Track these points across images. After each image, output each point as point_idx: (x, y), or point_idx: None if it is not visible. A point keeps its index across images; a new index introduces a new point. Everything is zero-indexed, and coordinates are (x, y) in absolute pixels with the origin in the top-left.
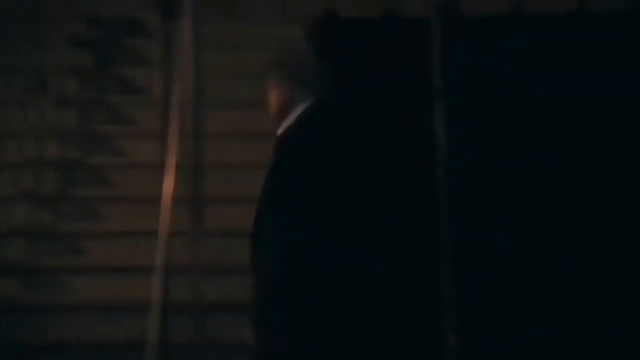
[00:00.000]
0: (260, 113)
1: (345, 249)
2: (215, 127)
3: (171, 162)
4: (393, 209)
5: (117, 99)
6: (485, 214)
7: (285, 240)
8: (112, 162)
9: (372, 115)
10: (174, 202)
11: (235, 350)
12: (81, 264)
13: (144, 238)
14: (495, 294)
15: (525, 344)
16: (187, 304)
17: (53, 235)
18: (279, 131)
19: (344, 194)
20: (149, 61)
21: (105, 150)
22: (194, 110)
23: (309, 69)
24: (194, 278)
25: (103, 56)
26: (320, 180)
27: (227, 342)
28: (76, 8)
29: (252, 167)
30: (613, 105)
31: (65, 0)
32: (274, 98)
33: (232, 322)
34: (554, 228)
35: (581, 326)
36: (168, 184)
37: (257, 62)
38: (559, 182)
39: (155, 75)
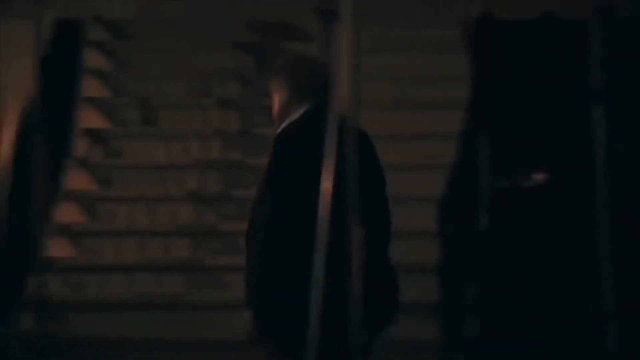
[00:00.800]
0: (417, 114)
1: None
2: (373, 129)
3: (329, 162)
4: (551, 206)
5: None
6: None
7: None
8: None
9: (530, 115)
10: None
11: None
12: (243, 262)
13: None
14: None
15: None
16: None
17: (216, 234)
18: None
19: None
20: None
21: (267, 152)
22: (352, 112)
23: (310, 74)
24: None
25: (264, 59)
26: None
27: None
28: (238, 12)
29: (409, 167)
30: None
31: (228, 3)
32: (275, 101)
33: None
34: None
35: None
36: (326, 184)
37: (414, 64)
38: None
39: None
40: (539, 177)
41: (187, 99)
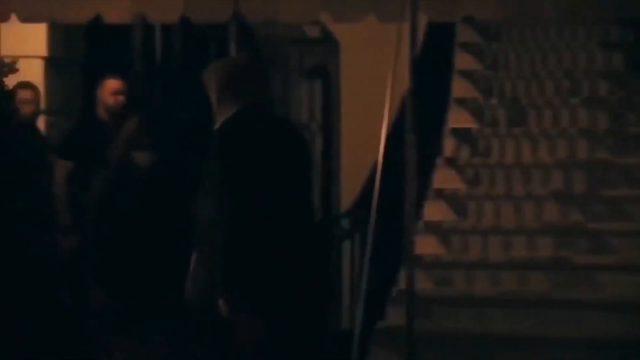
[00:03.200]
0: None
1: None
2: None
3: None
4: None
5: None
6: None
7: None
8: None
9: None
10: None
11: None
12: (611, 261)
13: None
14: None
15: None
16: None
17: (583, 233)
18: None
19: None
20: None
21: (636, 151)
22: None
23: (237, 76)
24: None
25: (634, 57)
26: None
27: None
28: (608, 10)
29: None
30: None
31: (598, 2)
32: (212, 99)
33: None
34: None
35: None
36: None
37: None
38: None
39: None
40: None
41: (554, 99)
